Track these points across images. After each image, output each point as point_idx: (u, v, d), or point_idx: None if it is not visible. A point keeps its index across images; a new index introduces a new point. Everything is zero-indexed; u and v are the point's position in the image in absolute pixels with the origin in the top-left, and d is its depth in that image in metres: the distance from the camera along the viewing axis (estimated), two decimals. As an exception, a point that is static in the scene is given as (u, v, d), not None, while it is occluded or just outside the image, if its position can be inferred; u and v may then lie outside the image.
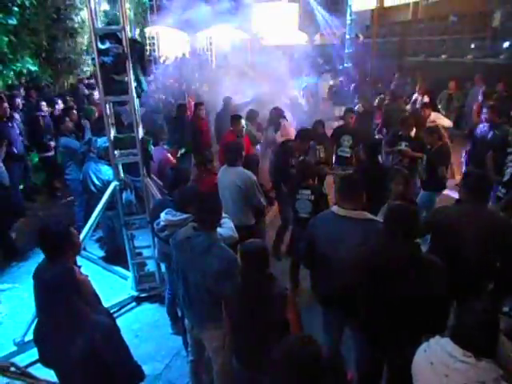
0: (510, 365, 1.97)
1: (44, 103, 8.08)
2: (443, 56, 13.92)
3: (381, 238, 2.62)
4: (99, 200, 4.65)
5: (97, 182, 5.22)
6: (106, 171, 5.16)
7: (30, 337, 3.89)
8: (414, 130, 6.10)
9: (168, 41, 17.71)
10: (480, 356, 1.85)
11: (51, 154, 7.68)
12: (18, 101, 8.05)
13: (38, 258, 2.77)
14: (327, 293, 3.13)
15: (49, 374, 2.74)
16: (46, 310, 2.26)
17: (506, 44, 11.44)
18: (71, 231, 2.65)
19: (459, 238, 3.06)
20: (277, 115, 7.30)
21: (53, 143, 7.60)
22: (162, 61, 16.54)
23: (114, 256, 5.48)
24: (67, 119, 6.61)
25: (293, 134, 7.43)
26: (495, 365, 1.87)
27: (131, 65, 4.10)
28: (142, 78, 4.40)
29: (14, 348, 3.97)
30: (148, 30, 17.67)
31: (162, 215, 3.51)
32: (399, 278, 2.48)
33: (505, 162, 4.93)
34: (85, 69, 9.83)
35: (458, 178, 6.44)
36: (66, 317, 2.10)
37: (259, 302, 2.43)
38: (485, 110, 6.27)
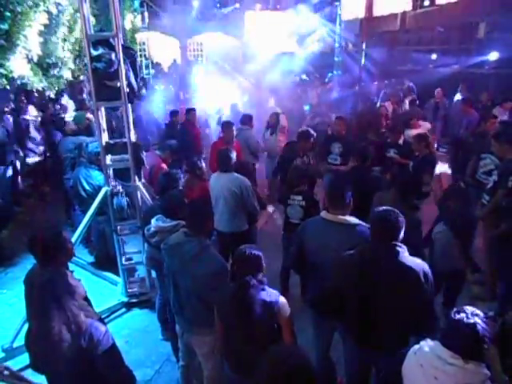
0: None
1: (32, 107, 8.03)
2: (430, 66, 14.17)
3: (367, 242, 2.66)
4: (90, 205, 4.63)
5: (87, 188, 5.16)
6: (97, 176, 5.12)
7: (18, 343, 3.87)
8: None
9: (159, 47, 17.73)
10: (467, 359, 1.89)
11: (40, 158, 7.62)
12: (7, 105, 7.99)
13: (26, 263, 2.77)
14: (316, 297, 3.16)
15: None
16: (39, 314, 2.25)
17: (491, 55, 11.67)
18: (64, 236, 2.64)
19: None
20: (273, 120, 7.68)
21: (42, 148, 7.55)
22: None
23: (104, 261, 5.46)
24: (70, 122, 6.60)
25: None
26: (483, 367, 1.91)
27: (124, 70, 4.13)
28: (135, 84, 4.42)
29: (2, 354, 3.94)
30: (139, 37, 17.65)
31: (153, 221, 3.51)
32: (385, 282, 2.52)
33: (480, 166, 5.10)
34: (76, 74, 9.82)
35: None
36: (59, 320, 2.10)
37: (251, 307, 2.45)
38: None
